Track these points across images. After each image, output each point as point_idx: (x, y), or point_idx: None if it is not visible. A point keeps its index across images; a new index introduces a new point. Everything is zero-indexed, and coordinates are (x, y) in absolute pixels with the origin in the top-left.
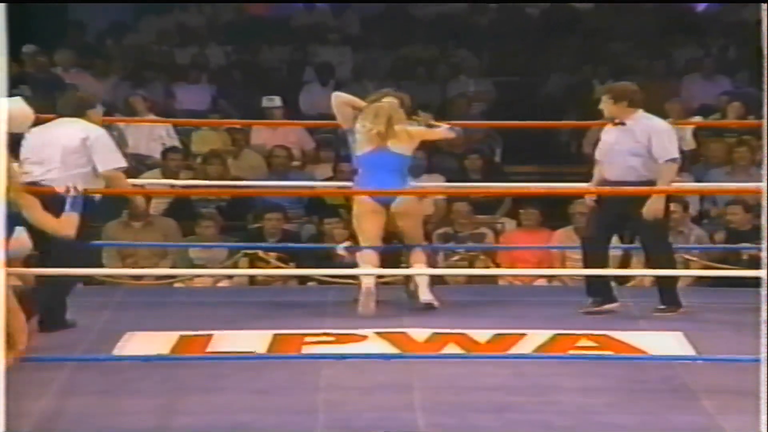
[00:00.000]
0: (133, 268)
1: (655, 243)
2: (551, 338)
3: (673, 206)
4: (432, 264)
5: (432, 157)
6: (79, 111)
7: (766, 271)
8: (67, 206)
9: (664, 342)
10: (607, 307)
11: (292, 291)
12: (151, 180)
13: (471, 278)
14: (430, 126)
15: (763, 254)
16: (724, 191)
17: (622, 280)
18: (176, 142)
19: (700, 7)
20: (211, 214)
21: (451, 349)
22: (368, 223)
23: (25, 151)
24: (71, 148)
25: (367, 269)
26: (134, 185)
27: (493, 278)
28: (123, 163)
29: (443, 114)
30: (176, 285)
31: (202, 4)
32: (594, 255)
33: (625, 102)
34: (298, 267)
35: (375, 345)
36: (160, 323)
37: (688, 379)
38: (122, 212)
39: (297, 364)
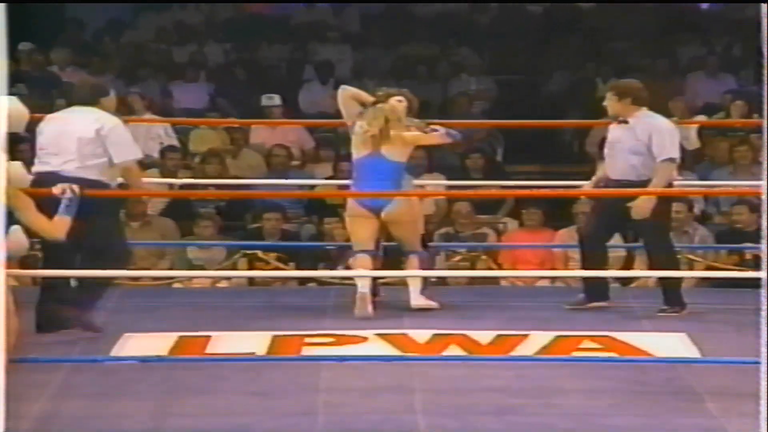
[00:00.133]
0: (130, 268)
1: (655, 243)
2: (554, 340)
3: (677, 206)
4: (429, 268)
5: (433, 156)
6: (92, 99)
7: (766, 271)
8: (61, 208)
9: (668, 343)
10: (594, 304)
11: (292, 292)
12: (149, 179)
13: (473, 279)
14: (431, 130)
15: (763, 254)
16: (724, 192)
17: (626, 280)
18: (174, 142)
19: (704, 4)
20: (209, 214)
21: (453, 350)
22: (360, 228)
23: (41, 141)
24: (86, 139)
25: (363, 274)
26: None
27: (495, 279)
28: (139, 155)
29: (444, 113)
30: (174, 286)
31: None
32: (591, 254)
33: (628, 99)
34: (297, 267)
35: (375, 346)
36: (158, 324)
37: (692, 381)
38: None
39: (296, 365)
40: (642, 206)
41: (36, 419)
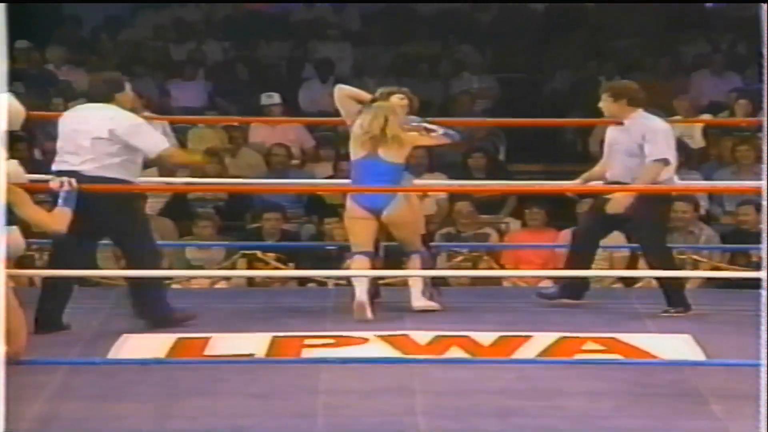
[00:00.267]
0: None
1: (651, 244)
2: (557, 341)
3: (683, 206)
4: (431, 268)
5: (434, 155)
6: (107, 96)
7: (766, 272)
8: (60, 201)
9: (673, 345)
10: (564, 300)
11: (292, 292)
12: (147, 178)
13: (474, 279)
14: (428, 130)
15: (763, 254)
16: (722, 190)
17: (630, 281)
18: (173, 140)
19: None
20: (208, 214)
21: (454, 352)
22: (359, 230)
23: (60, 139)
24: (100, 139)
25: (361, 278)
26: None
27: (498, 280)
28: (168, 143)
29: (446, 112)
30: (173, 286)
31: None
32: (578, 253)
33: (624, 100)
34: (297, 268)
35: (376, 348)
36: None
37: (697, 382)
38: None
39: (296, 367)
40: (618, 201)
41: (33, 421)
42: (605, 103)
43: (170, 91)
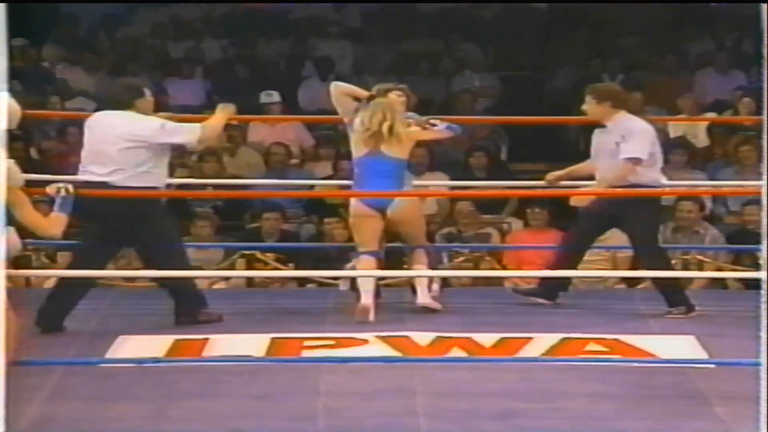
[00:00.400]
0: (125, 269)
1: (643, 244)
2: (559, 342)
3: (688, 206)
4: (435, 266)
5: (435, 154)
6: (127, 102)
7: (766, 272)
8: (56, 206)
9: (676, 346)
10: (536, 300)
11: (291, 293)
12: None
13: (476, 280)
14: (430, 125)
15: (763, 255)
16: (723, 192)
17: (633, 282)
18: None
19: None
20: (206, 214)
21: (456, 353)
22: (365, 229)
23: (85, 149)
24: (125, 148)
25: (367, 278)
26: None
27: (499, 280)
28: (199, 130)
29: (447, 110)
30: None
31: None
32: (566, 254)
33: (608, 103)
34: (296, 268)
35: (376, 349)
36: (154, 326)
37: (701, 384)
38: None
39: (296, 368)
40: (582, 197)
41: (30, 422)
42: (589, 106)
43: (168, 90)
